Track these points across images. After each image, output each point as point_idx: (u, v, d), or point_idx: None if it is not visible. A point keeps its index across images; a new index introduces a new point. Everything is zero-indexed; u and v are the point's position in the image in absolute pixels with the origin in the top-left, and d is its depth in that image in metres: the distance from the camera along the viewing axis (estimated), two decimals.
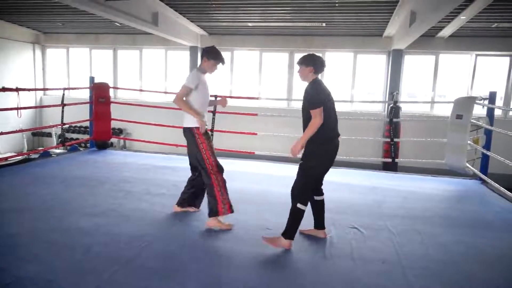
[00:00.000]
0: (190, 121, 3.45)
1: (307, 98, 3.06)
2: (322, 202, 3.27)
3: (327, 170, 3.15)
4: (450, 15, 7.48)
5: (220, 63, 3.57)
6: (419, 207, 4.30)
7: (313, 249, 3.08)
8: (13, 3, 9.04)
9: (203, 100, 3.54)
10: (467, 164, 5.58)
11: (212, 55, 3.50)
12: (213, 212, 3.40)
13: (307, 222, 3.47)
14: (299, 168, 3.10)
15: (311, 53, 3.19)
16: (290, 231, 3.03)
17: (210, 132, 3.49)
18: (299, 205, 3.01)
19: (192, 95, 3.46)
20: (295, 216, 3.03)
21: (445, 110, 9.33)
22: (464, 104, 5.62)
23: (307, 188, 3.07)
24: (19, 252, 2.79)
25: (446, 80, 10.58)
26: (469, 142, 5.53)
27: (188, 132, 3.48)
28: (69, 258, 2.74)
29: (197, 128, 3.44)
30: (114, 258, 2.76)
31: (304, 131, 3.10)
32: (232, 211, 3.44)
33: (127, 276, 2.53)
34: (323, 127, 2.97)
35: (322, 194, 3.27)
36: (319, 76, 3.16)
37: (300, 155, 3.15)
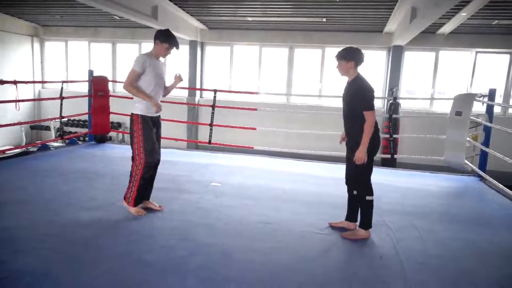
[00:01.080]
0: (135, 108, 3.44)
1: (359, 98, 3.09)
2: (358, 197, 3.29)
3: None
4: (450, 12, 7.45)
5: (174, 48, 3.46)
6: (418, 203, 4.31)
7: (311, 245, 3.07)
8: None
9: (155, 85, 3.44)
10: (466, 161, 5.59)
11: (165, 39, 3.38)
12: (124, 196, 3.51)
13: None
14: (357, 166, 3.13)
15: (349, 46, 3.20)
16: (368, 222, 3.20)
17: (152, 124, 3.49)
18: (367, 198, 3.17)
19: (141, 80, 3.39)
20: (368, 208, 3.19)
21: (445, 107, 9.33)
22: (464, 101, 5.61)
23: (368, 179, 3.20)
24: (17, 245, 2.78)
25: (446, 77, 10.57)
26: (468, 138, 5.53)
27: (131, 117, 3.47)
28: (68, 251, 2.73)
29: (139, 115, 3.41)
30: (112, 251, 2.76)
31: (346, 124, 3.25)
32: (134, 205, 3.45)
33: (125, 268, 2.53)
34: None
35: None
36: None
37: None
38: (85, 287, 2.27)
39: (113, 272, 2.48)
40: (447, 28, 9.20)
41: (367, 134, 3.05)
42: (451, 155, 5.67)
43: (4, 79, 10.79)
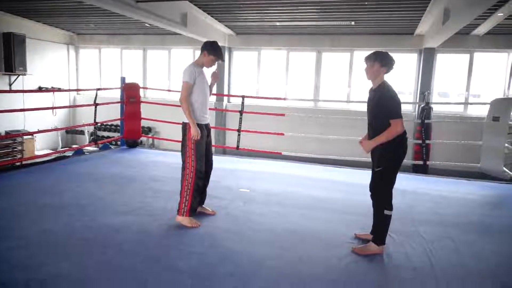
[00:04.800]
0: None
1: (384, 106, 2.92)
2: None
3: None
4: (486, 12, 7.17)
5: (220, 60, 3.59)
6: (453, 213, 4.16)
7: (340, 255, 3.02)
8: (49, 6, 9.37)
9: (203, 94, 3.54)
10: (505, 168, 5.35)
11: (213, 51, 3.52)
12: (177, 209, 3.49)
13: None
14: (378, 175, 3.03)
15: (383, 51, 3.05)
16: (381, 238, 3.02)
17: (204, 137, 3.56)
18: (386, 212, 2.98)
19: (192, 90, 3.48)
20: (384, 223, 3.01)
21: (480, 111, 8.99)
22: (502, 106, 5.38)
23: (390, 193, 3.02)
24: (54, 249, 2.88)
25: (481, 79, 10.16)
26: (506, 145, 5.29)
27: (183, 126, 3.52)
28: (101, 256, 2.81)
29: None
30: (144, 257, 2.82)
31: (369, 134, 3.07)
32: (190, 215, 3.45)
33: (156, 274, 2.57)
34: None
35: None
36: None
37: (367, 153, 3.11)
38: None
39: (146, 277, 2.53)
40: (482, 29, 8.85)
41: (384, 136, 2.89)
42: (489, 162, 5.45)
43: (42, 85, 11.25)
